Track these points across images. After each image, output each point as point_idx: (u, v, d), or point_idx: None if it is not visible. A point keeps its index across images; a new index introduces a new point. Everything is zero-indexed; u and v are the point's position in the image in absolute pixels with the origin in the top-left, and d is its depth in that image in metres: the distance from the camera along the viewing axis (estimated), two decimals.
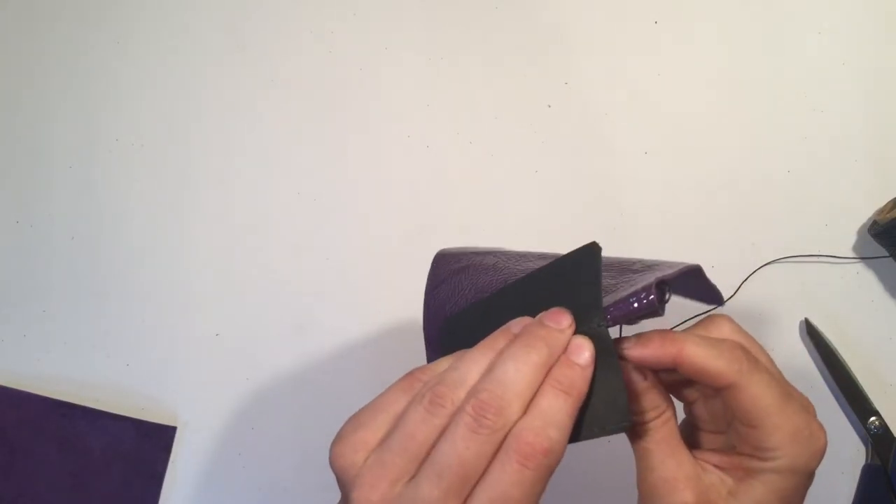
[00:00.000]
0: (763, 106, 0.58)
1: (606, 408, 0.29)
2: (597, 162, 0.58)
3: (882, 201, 0.55)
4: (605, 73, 0.59)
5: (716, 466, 0.32)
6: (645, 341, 0.30)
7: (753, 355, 0.31)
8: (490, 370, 0.29)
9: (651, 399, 0.31)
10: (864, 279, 0.56)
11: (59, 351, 0.58)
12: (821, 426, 0.31)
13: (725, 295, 0.55)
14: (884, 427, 0.53)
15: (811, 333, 0.55)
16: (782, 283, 0.56)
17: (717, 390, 0.31)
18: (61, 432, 0.56)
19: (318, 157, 0.59)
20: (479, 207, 0.58)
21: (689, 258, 0.56)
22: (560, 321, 0.30)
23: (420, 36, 0.60)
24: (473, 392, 0.28)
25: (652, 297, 0.29)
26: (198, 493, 0.57)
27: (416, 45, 0.60)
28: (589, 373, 0.29)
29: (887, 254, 0.54)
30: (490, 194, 0.58)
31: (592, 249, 0.31)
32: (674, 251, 0.56)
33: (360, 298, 0.57)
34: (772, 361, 0.32)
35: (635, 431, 0.32)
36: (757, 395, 0.30)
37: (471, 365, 0.29)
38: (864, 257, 0.56)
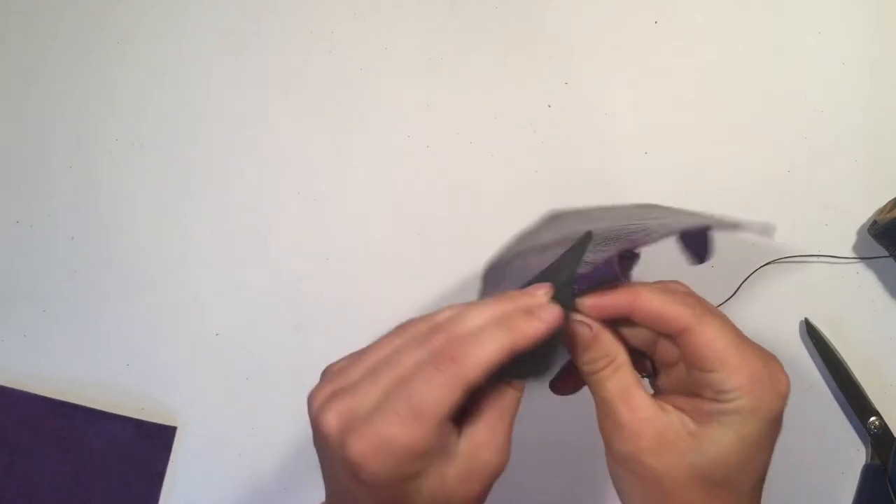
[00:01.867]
0: (763, 106, 0.58)
1: (538, 363, 0.31)
2: (597, 162, 0.58)
3: (882, 201, 0.55)
4: (605, 73, 0.59)
5: (676, 407, 0.32)
6: (601, 291, 0.32)
7: (705, 302, 0.32)
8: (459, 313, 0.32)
9: (600, 348, 0.32)
10: (864, 279, 0.56)
11: (59, 351, 0.58)
12: (782, 370, 0.31)
13: (725, 295, 0.55)
14: (884, 427, 0.53)
15: (811, 333, 0.55)
16: (782, 283, 0.56)
17: (671, 338, 0.32)
18: (61, 432, 0.56)
19: (318, 157, 0.59)
20: (479, 207, 0.58)
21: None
22: (536, 290, 0.32)
23: (420, 36, 0.60)
24: (435, 323, 0.31)
25: (613, 269, 0.32)
26: (198, 493, 0.57)
27: (416, 45, 0.60)
28: (539, 327, 0.30)
29: (887, 254, 0.54)
30: (490, 194, 0.58)
31: (586, 236, 0.34)
32: (673, 251, 0.56)
33: (360, 298, 0.57)
34: (726, 318, 0.33)
35: (590, 381, 0.33)
36: (712, 337, 0.31)
37: (447, 310, 0.32)
38: (864, 257, 0.56)
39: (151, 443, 0.57)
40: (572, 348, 0.33)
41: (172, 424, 0.57)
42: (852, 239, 0.57)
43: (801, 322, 0.55)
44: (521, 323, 0.30)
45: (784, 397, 0.31)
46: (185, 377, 0.58)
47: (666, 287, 0.33)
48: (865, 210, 0.56)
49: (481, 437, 0.31)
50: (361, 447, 0.29)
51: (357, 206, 0.59)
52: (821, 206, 0.57)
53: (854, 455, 0.54)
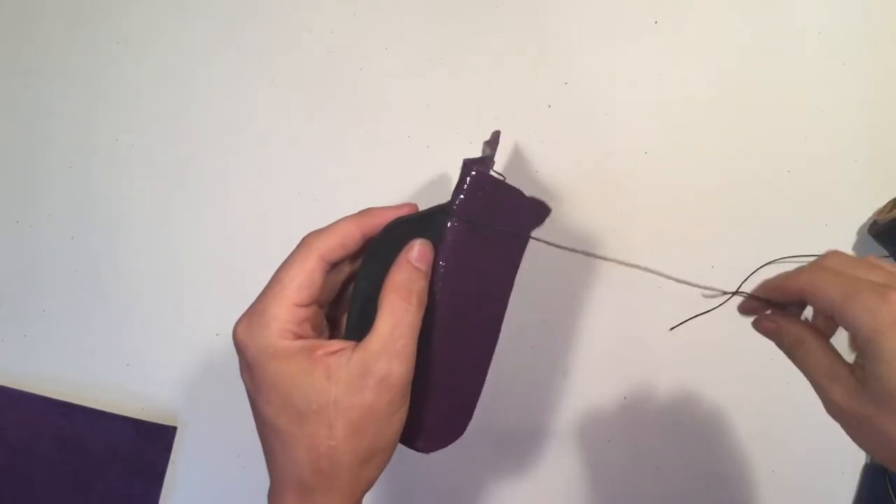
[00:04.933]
0: (763, 106, 0.58)
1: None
2: (597, 162, 0.58)
3: (882, 201, 0.55)
4: (605, 73, 0.59)
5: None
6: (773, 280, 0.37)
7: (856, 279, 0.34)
8: None
9: (787, 335, 0.37)
10: None
11: (59, 351, 0.58)
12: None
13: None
14: None
15: None
16: None
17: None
18: (61, 432, 0.56)
19: (318, 157, 0.59)
20: None
21: (690, 258, 0.56)
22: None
23: (420, 36, 0.60)
24: None
25: (472, 173, 0.36)
26: (198, 493, 0.57)
27: (416, 45, 0.60)
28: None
29: (887, 254, 0.54)
30: None
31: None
32: (674, 251, 0.56)
33: None
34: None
35: (794, 360, 0.37)
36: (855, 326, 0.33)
37: None
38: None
39: (151, 443, 0.57)
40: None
41: (172, 424, 0.57)
42: (852, 239, 0.56)
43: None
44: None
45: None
46: (185, 377, 0.58)
47: (821, 265, 0.36)
48: (865, 210, 0.56)
49: (374, 345, 0.33)
50: (238, 325, 0.35)
51: (357, 206, 0.59)
52: (821, 206, 0.57)
53: (854, 455, 0.54)
